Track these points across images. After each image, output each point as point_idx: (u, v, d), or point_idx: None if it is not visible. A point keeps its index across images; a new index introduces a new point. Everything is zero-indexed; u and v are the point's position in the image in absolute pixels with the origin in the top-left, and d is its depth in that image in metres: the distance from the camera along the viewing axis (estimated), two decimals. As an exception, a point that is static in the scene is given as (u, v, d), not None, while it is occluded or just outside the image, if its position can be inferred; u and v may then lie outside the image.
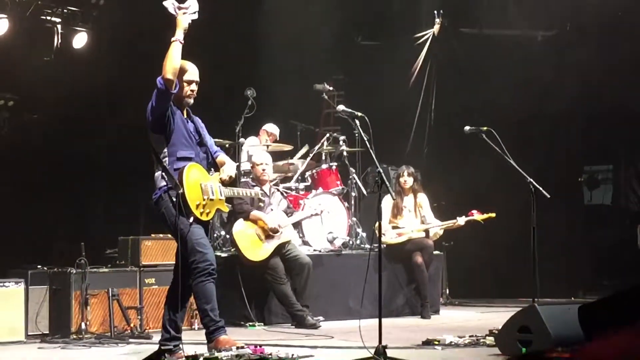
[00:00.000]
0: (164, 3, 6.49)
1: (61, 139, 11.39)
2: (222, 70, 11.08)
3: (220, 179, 6.68)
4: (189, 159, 6.51)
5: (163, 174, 6.43)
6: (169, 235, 8.10)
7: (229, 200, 7.03)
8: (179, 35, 6.42)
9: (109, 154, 11.83)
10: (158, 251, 9.19)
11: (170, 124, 6.46)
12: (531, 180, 7.87)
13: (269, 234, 9.41)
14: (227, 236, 10.02)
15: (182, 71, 6.49)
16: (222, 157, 6.88)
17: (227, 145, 10.49)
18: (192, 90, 6.62)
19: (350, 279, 9.88)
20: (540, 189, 7.84)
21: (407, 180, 10.56)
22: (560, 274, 12.33)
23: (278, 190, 10.14)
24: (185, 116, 6.67)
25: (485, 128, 8.25)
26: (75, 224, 10.98)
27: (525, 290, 10.17)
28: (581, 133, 13.30)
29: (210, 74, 7.17)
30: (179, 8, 6.48)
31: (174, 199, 6.34)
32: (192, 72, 6.62)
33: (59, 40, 10.99)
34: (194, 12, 6.48)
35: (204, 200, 6.48)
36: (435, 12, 13.33)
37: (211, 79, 7.18)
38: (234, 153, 10.55)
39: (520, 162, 8.13)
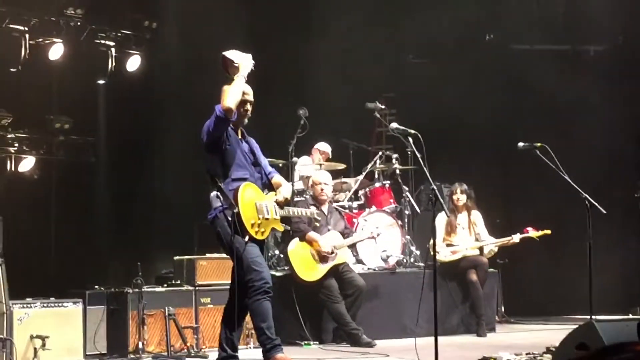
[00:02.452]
0: (227, 53, 6.72)
1: (115, 161, 11.53)
2: (274, 90, 11.14)
3: (276, 200, 6.73)
4: (243, 179, 6.58)
5: (218, 194, 6.49)
6: (224, 255, 8.19)
7: (286, 219, 7.05)
8: (244, 72, 6.63)
9: (162, 174, 11.94)
10: (213, 271, 9.25)
11: (225, 145, 6.54)
12: (587, 196, 7.77)
13: (323, 255, 9.40)
14: (282, 255, 10.05)
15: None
16: (277, 178, 6.93)
17: (280, 165, 10.53)
18: (245, 110, 6.71)
19: (405, 297, 9.86)
20: (596, 204, 7.74)
21: (461, 198, 10.51)
22: (617, 290, 12.18)
23: (337, 209, 10.13)
24: (239, 136, 6.75)
25: (539, 144, 8.17)
26: (130, 245, 11.08)
27: (582, 306, 10.06)
28: (637, 147, 13.13)
29: (263, 94, 7.22)
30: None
31: (230, 218, 6.40)
32: (247, 93, 6.70)
33: (113, 64, 11.13)
34: (252, 64, 6.76)
35: (259, 219, 6.53)
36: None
37: (264, 99, 7.24)
38: (287, 172, 10.58)
39: (574, 177, 8.05)
